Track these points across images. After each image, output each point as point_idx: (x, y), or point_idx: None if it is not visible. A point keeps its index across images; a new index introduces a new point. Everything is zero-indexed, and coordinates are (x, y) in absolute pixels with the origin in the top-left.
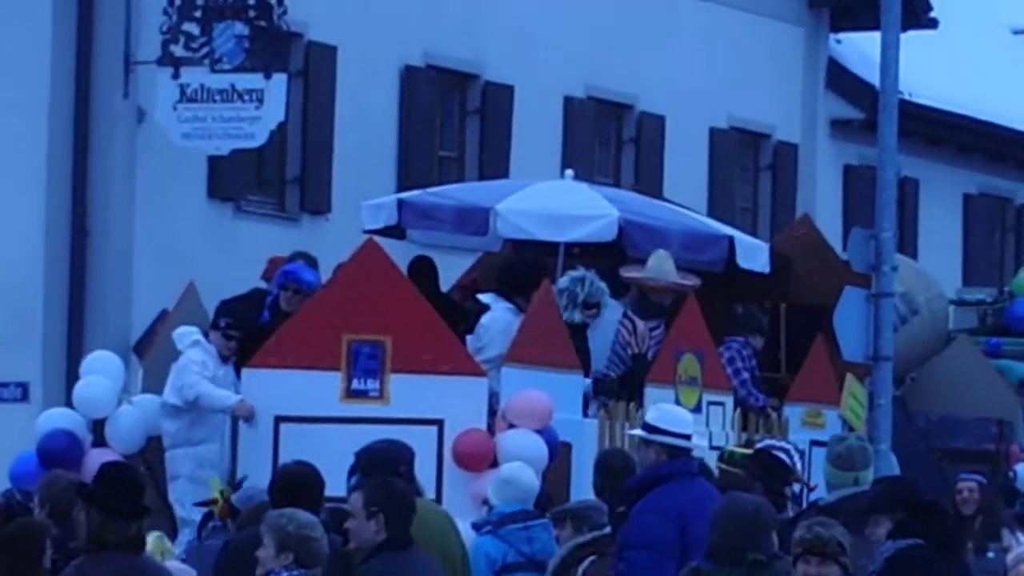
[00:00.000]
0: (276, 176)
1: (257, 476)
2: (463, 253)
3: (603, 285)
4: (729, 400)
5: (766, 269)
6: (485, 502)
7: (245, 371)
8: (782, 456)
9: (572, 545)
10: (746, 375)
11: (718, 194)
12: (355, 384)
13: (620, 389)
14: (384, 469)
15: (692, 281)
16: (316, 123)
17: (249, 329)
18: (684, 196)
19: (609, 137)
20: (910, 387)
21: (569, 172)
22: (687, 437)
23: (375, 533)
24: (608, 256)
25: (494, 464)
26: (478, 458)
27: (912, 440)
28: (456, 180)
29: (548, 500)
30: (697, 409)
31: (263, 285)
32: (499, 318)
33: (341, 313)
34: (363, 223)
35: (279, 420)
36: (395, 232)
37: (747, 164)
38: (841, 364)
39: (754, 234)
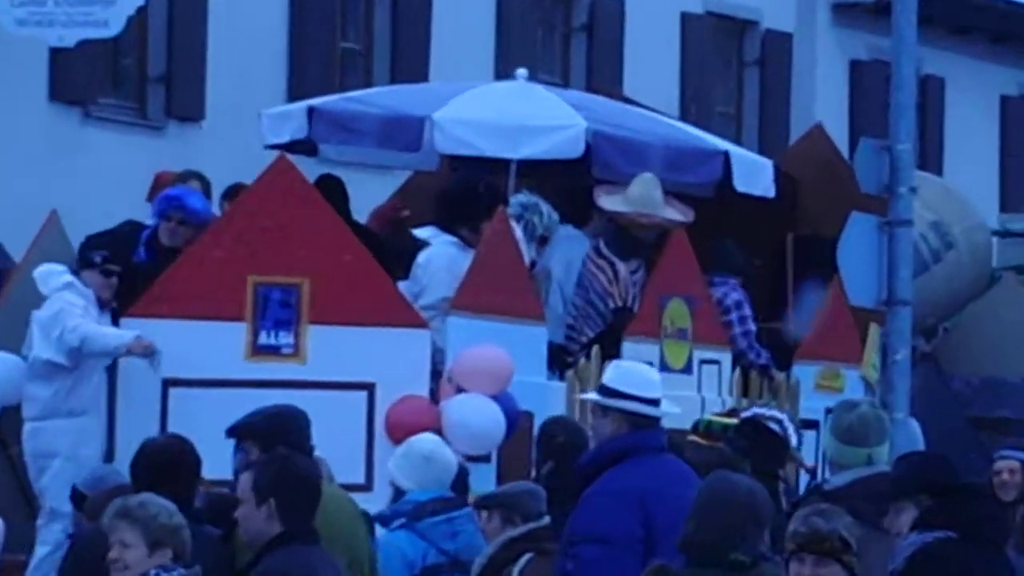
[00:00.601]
0: (135, 74)
1: None
2: (382, 173)
3: (555, 214)
4: (726, 357)
5: (769, 193)
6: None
7: (124, 322)
8: (774, 428)
9: (502, 541)
10: (752, 326)
11: (691, 97)
12: (263, 338)
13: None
14: (277, 441)
15: (686, 215)
16: (186, 9)
17: (123, 269)
18: (648, 99)
19: (554, 25)
20: (944, 341)
21: (522, 72)
22: (654, 402)
23: (267, 523)
24: (566, 176)
25: None
26: (419, 431)
27: (946, 407)
28: (363, 80)
29: (465, 481)
30: (687, 369)
31: (135, 212)
32: (440, 254)
33: (245, 249)
34: (264, 136)
35: (168, 384)
36: (302, 147)
37: (729, 58)
38: (864, 311)
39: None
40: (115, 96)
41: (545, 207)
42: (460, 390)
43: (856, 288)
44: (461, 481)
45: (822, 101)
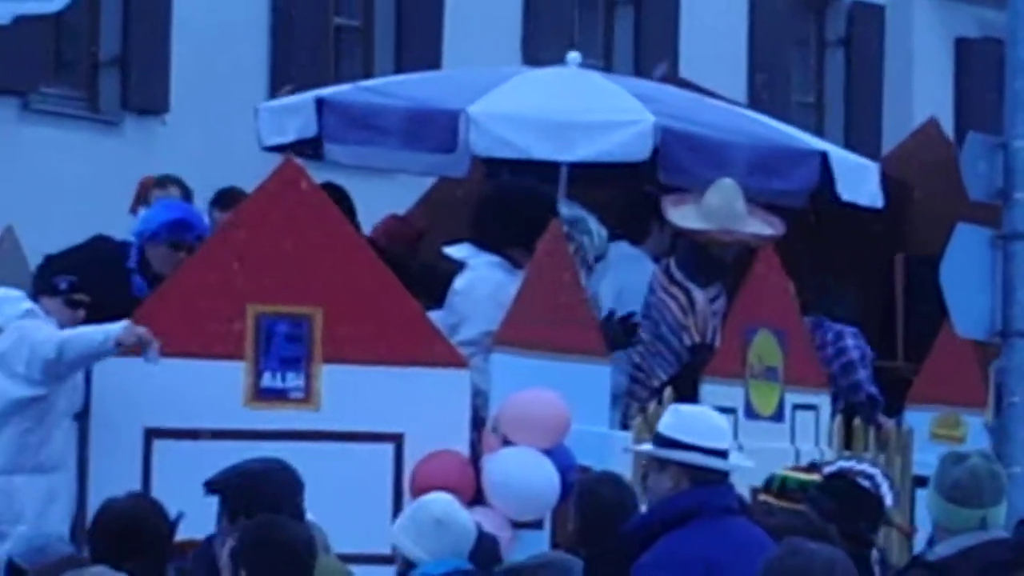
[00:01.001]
0: (84, 59)
1: None
2: (388, 179)
3: (604, 231)
4: (825, 402)
5: (877, 203)
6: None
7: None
8: (864, 484)
9: None
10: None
11: (763, 84)
12: (267, 380)
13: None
14: (263, 504)
15: (776, 228)
16: None
17: (105, 300)
18: (708, 87)
19: None
20: None
21: (573, 56)
22: (722, 454)
23: None
24: (623, 182)
25: (478, 501)
26: (456, 493)
27: None
28: (362, 65)
29: (492, 550)
30: (778, 416)
31: (84, 223)
32: (484, 279)
33: (245, 272)
34: (260, 136)
35: (151, 434)
36: (305, 148)
37: (807, 37)
38: (989, 345)
39: None
40: (60, 85)
41: (594, 223)
42: (506, 442)
43: (964, 316)
44: (487, 553)
45: (921, 88)
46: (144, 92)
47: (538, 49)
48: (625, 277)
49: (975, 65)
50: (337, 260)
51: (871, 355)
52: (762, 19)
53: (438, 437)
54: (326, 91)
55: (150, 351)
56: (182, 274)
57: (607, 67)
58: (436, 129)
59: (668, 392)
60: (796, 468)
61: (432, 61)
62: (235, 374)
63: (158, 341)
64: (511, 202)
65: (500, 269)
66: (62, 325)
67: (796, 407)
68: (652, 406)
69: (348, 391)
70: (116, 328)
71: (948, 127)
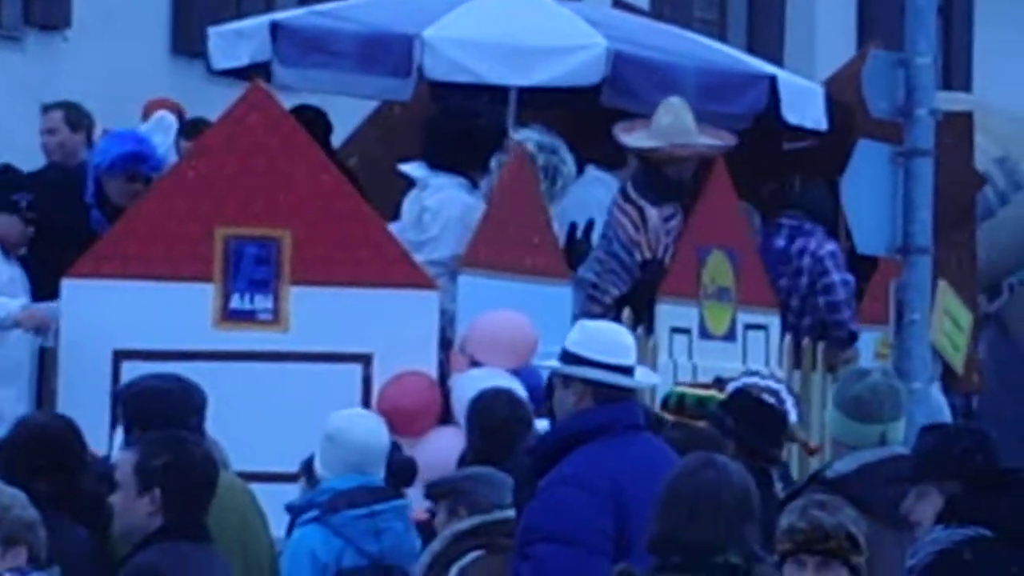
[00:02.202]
0: None
1: (91, 442)
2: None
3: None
4: (774, 322)
5: (821, 125)
6: (306, 473)
7: (67, 284)
8: (770, 400)
9: (446, 536)
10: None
11: (665, 3)
12: (236, 302)
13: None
14: (165, 419)
15: (727, 140)
16: None
17: (64, 229)
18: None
19: None
20: (1013, 300)
21: None
22: (627, 371)
23: (148, 515)
24: (573, 106)
25: (446, 421)
26: (423, 413)
27: (1015, 377)
28: None
29: (408, 467)
30: (730, 336)
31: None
32: (453, 200)
33: (212, 196)
34: (211, 59)
35: (120, 356)
36: (253, 73)
37: None
38: (937, 267)
39: None
40: None
41: (564, 151)
42: (474, 363)
43: (865, 233)
44: (401, 466)
45: (823, 5)
46: (45, 7)
47: None
48: (589, 200)
49: None
50: (305, 183)
51: (853, 282)
52: None
53: (406, 358)
54: (280, 15)
55: (47, 333)
56: (148, 199)
57: None
58: (391, 53)
59: (626, 312)
60: (695, 384)
61: None
62: (203, 296)
63: (54, 324)
64: (464, 123)
65: (464, 190)
66: (13, 238)
67: (747, 327)
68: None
69: (316, 312)
70: (15, 308)
71: (850, 44)
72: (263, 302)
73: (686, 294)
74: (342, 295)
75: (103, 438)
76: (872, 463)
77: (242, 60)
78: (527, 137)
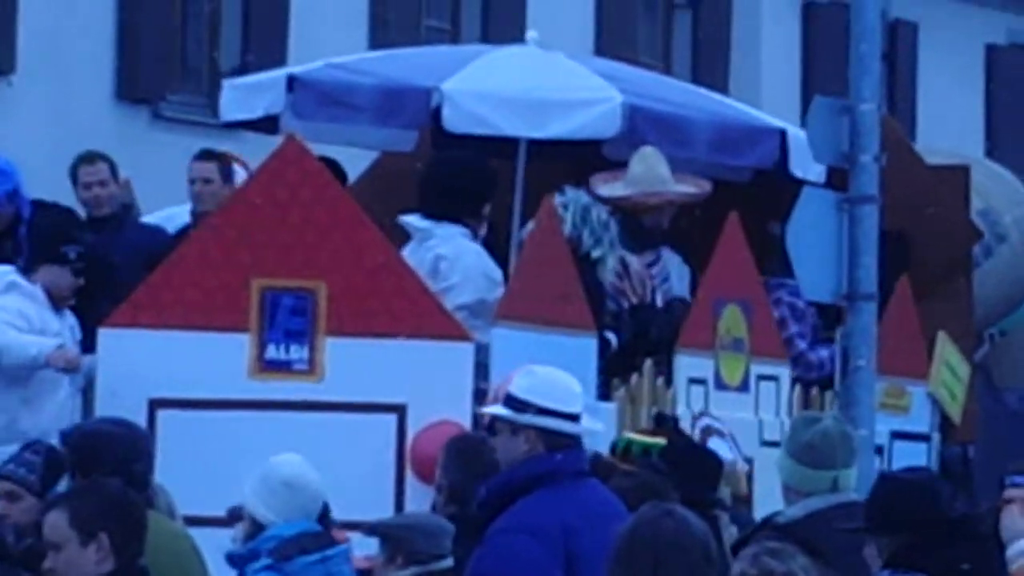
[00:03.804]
0: None
1: None
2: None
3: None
4: (785, 373)
5: (822, 179)
6: (233, 517)
7: (103, 332)
8: (715, 444)
9: None
10: (802, 345)
11: (610, 45)
12: (271, 352)
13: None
14: (111, 464)
15: (702, 187)
16: None
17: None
18: (559, 45)
19: None
20: (995, 350)
21: (532, 34)
22: (575, 418)
23: (97, 563)
24: (576, 158)
25: None
26: None
27: (999, 427)
28: (208, 22)
29: (327, 514)
30: (744, 386)
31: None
32: (466, 248)
33: (250, 247)
34: (222, 111)
35: (156, 405)
36: (263, 124)
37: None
38: (934, 318)
39: None
40: None
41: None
42: None
43: (810, 279)
44: (324, 514)
45: (768, 52)
46: None
47: (386, 15)
48: None
49: (822, 28)
50: (340, 235)
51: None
52: None
53: (440, 408)
54: (297, 69)
55: (77, 370)
56: (186, 249)
57: (455, 31)
58: (409, 106)
59: (648, 363)
60: (642, 431)
61: (279, 25)
62: (239, 346)
63: (84, 365)
64: (459, 173)
65: (468, 239)
66: (61, 289)
67: (760, 378)
68: (634, 377)
69: (351, 363)
70: (49, 347)
71: (795, 90)
72: (298, 352)
73: (703, 345)
74: (376, 346)
75: None
76: (823, 509)
77: (256, 112)
78: (576, 198)
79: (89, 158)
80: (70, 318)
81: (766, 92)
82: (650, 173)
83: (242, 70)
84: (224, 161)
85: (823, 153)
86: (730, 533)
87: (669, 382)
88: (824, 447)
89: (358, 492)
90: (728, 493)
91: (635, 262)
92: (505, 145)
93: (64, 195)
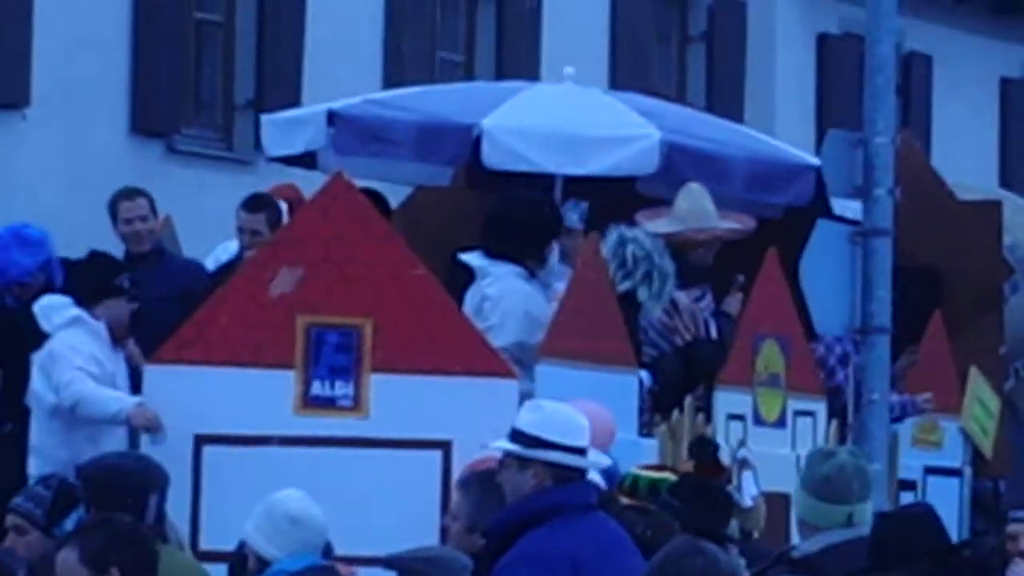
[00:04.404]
0: None
1: None
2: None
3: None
4: (821, 408)
5: (859, 216)
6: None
7: (149, 369)
8: (746, 477)
9: None
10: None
11: (625, 79)
12: (317, 388)
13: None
14: (125, 498)
15: (746, 224)
16: None
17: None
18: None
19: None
20: (1021, 384)
21: (569, 71)
22: (582, 452)
23: None
24: (610, 195)
25: None
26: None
27: None
28: (222, 55)
29: (330, 550)
30: (781, 422)
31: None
32: (514, 289)
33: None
34: (265, 147)
35: (201, 441)
36: (303, 159)
37: (667, 32)
38: (966, 353)
39: None
40: None
41: (667, 256)
42: None
43: (823, 312)
44: (327, 550)
45: (783, 86)
46: (5, 86)
47: (400, 47)
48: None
49: (836, 61)
50: (386, 272)
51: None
52: (624, 14)
53: (485, 444)
54: (337, 104)
55: (158, 435)
56: (233, 286)
57: (469, 64)
58: (448, 142)
59: (688, 399)
60: (649, 467)
61: (293, 58)
62: (285, 383)
63: (164, 429)
64: (525, 213)
65: (522, 279)
66: (119, 319)
67: (797, 413)
68: (675, 414)
69: (396, 400)
70: (130, 404)
71: (809, 123)
72: (343, 389)
73: (741, 382)
74: (421, 383)
75: (184, 520)
76: (838, 544)
77: (296, 148)
78: (642, 236)
79: (128, 193)
80: (123, 361)
81: (780, 125)
82: (696, 208)
83: (257, 103)
84: (273, 210)
85: (837, 186)
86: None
87: (709, 418)
88: (840, 481)
89: (402, 528)
90: (736, 526)
91: (683, 298)
92: (541, 181)
93: (77, 228)
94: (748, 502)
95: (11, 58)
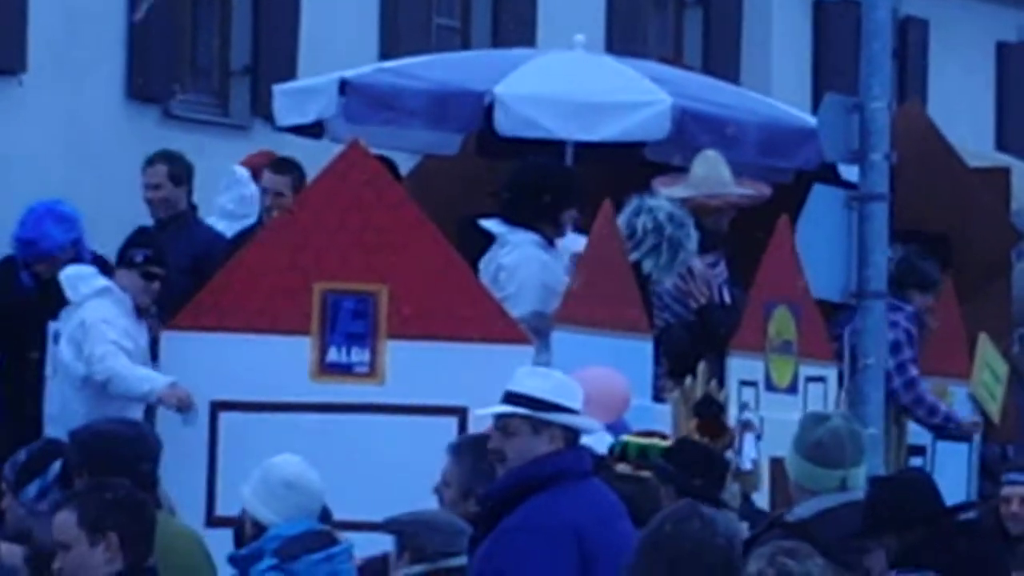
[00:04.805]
0: None
1: (188, 493)
2: None
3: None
4: (832, 374)
5: None
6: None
7: (166, 336)
8: (748, 439)
9: None
10: (914, 371)
11: (621, 43)
12: (333, 355)
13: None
14: (118, 464)
15: (762, 190)
16: None
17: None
18: (562, 44)
19: None
20: (1023, 350)
21: (579, 38)
22: (576, 415)
23: (107, 562)
24: (619, 160)
25: None
26: None
27: None
28: (219, 22)
29: (328, 514)
30: (792, 388)
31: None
32: (530, 258)
33: (312, 251)
34: (276, 116)
35: (217, 407)
36: (311, 128)
37: None
38: (975, 319)
39: None
40: None
41: (691, 226)
42: None
43: (819, 277)
44: (324, 514)
45: (779, 50)
46: (1, 52)
47: (396, 13)
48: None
49: (833, 26)
50: (402, 238)
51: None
52: None
53: None
54: (349, 73)
55: (189, 413)
56: (248, 253)
57: (465, 30)
58: (460, 110)
59: (702, 365)
60: (639, 433)
61: (289, 24)
62: (301, 349)
63: (195, 408)
64: (544, 179)
65: (539, 247)
66: (136, 296)
67: (808, 379)
68: (688, 380)
69: (412, 366)
70: (161, 384)
71: (805, 88)
72: (360, 355)
73: (754, 348)
74: (437, 349)
75: (200, 488)
76: (831, 508)
77: (308, 117)
78: (659, 206)
79: (150, 159)
80: (145, 331)
81: (776, 90)
82: (712, 175)
83: (253, 69)
84: (299, 175)
85: (833, 150)
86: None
87: (722, 384)
88: (833, 445)
89: (420, 494)
90: (737, 490)
91: (698, 263)
92: (550, 148)
93: (75, 193)
94: (748, 465)
95: (7, 24)
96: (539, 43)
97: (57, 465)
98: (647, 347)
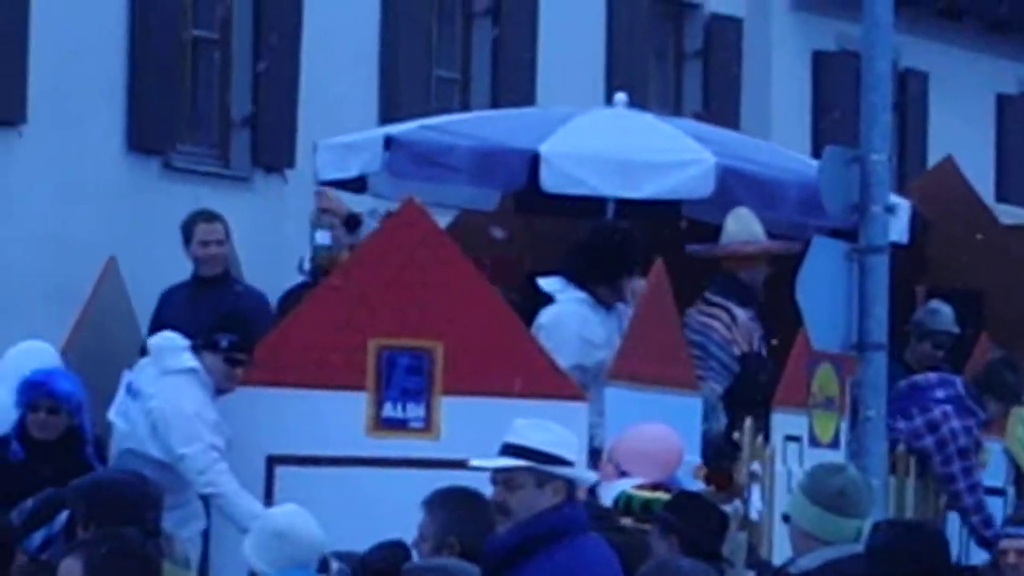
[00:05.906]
0: None
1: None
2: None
3: None
4: None
5: (903, 238)
6: None
7: None
8: (755, 490)
9: None
10: (978, 476)
11: (619, 92)
12: (388, 410)
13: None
14: (123, 513)
15: (791, 246)
16: None
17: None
18: (562, 96)
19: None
20: None
21: (620, 97)
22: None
23: None
24: (658, 215)
25: None
26: None
27: None
28: (219, 73)
29: (327, 565)
30: (835, 443)
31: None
32: (570, 314)
33: (367, 308)
34: (318, 170)
35: (273, 461)
36: (352, 184)
37: (664, 49)
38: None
39: None
40: None
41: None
42: (622, 474)
43: (820, 329)
44: (323, 565)
45: (779, 102)
46: (1, 103)
47: (396, 65)
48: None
49: (832, 78)
50: (456, 295)
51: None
52: (620, 30)
53: None
54: (393, 129)
55: None
56: (306, 310)
57: (465, 81)
58: (505, 167)
59: (748, 421)
60: (642, 487)
61: (289, 75)
62: (357, 405)
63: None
64: (611, 244)
65: (586, 305)
66: (219, 382)
67: None
68: (735, 436)
69: (467, 422)
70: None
71: (805, 140)
72: (415, 411)
73: (798, 403)
74: (492, 405)
75: None
76: (837, 560)
77: (351, 172)
78: None
79: (208, 216)
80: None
81: (776, 142)
82: (745, 230)
83: (253, 119)
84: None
85: (834, 202)
86: None
87: (767, 436)
88: (853, 494)
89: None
90: (744, 539)
91: (742, 315)
92: (591, 204)
93: (73, 244)
94: (755, 516)
95: (7, 75)
96: (539, 95)
97: (64, 515)
98: (696, 403)
